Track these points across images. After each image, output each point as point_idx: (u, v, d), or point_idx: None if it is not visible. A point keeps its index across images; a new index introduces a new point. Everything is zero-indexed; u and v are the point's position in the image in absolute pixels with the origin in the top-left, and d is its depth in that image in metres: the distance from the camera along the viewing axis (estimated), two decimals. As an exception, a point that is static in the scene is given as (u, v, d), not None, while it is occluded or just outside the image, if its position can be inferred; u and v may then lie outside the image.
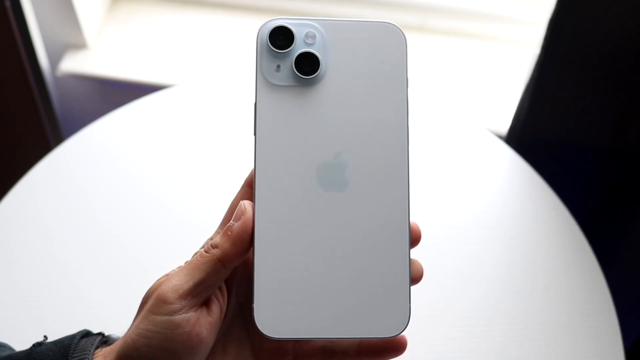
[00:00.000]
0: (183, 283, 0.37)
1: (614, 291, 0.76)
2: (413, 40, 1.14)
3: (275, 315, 0.38)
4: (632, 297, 1.04)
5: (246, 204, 0.38)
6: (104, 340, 0.41)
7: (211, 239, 0.40)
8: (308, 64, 0.39)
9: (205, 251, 0.38)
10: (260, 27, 0.40)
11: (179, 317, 0.36)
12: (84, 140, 0.88)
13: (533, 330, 0.73)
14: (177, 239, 0.79)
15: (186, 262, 0.39)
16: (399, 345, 0.39)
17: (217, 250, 0.37)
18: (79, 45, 1.14)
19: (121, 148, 0.88)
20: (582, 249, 0.79)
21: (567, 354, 0.72)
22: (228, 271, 0.38)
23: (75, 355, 0.39)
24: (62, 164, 0.86)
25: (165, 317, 0.36)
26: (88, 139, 0.89)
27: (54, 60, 1.14)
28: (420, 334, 0.72)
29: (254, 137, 0.39)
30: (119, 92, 1.17)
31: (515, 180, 0.86)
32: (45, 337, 0.42)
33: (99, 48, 1.14)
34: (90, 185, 0.84)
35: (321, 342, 0.41)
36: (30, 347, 0.41)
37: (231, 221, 0.38)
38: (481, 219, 0.82)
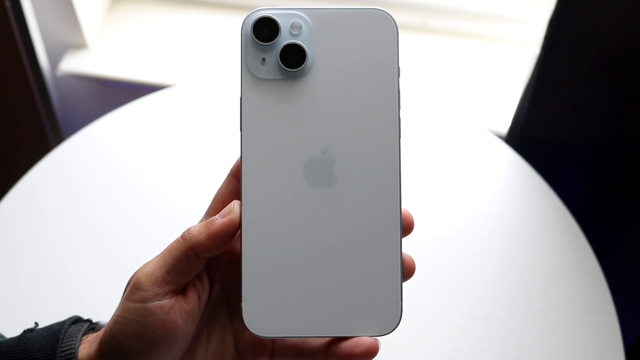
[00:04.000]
0: (155, 270, 0.37)
1: (614, 291, 0.76)
2: (413, 40, 1.14)
3: (264, 314, 0.37)
4: (632, 297, 1.04)
5: (236, 204, 0.37)
6: (92, 326, 0.42)
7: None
8: (294, 56, 0.37)
9: (182, 236, 0.37)
10: (245, 19, 0.38)
11: (152, 304, 0.36)
12: (84, 140, 0.88)
13: (533, 330, 0.73)
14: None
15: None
16: (368, 350, 0.37)
17: (191, 236, 0.37)
18: (79, 45, 1.14)
19: (121, 148, 0.88)
20: (582, 249, 0.79)
21: (567, 354, 0.72)
22: (202, 262, 0.37)
23: (64, 341, 0.39)
24: (62, 164, 0.86)
25: (138, 304, 0.36)
26: (88, 139, 0.89)
27: (54, 60, 1.14)
28: (420, 334, 0.72)
29: (240, 132, 0.38)
30: (119, 92, 1.17)
31: (515, 180, 0.86)
32: (36, 323, 0.42)
33: (99, 48, 1.14)
34: (90, 185, 0.84)
35: (294, 340, 0.40)
36: (21, 334, 0.41)
37: (217, 215, 0.37)
38: (481, 219, 0.82)
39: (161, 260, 0.37)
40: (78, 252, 0.78)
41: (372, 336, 0.38)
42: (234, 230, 0.37)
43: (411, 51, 1.12)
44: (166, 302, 0.37)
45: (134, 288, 0.37)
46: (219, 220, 0.37)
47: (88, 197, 0.83)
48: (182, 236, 0.38)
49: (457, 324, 0.73)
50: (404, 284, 0.38)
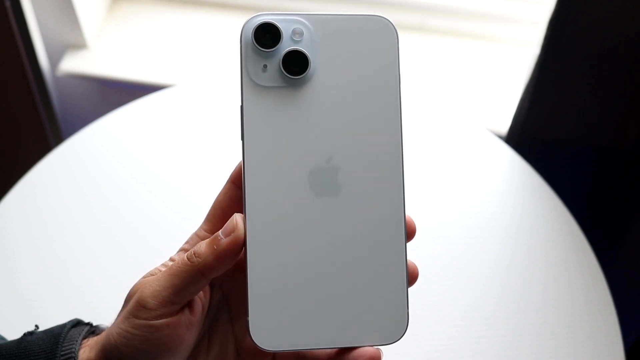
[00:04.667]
0: (162, 290, 0.37)
1: (614, 291, 0.76)
2: (413, 40, 1.14)
3: (271, 327, 0.37)
4: (632, 297, 1.04)
5: (238, 219, 0.37)
6: (92, 330, 0.41)
7: (196, 234, 0.40)
8: (296, 63, 0.37)
9: (188, 258, 0.37)
10: (244, 25, 0.37)
11: (159, 322, 0.36)
12: (84, 140, 0.88)
13: (533, 330, 0.73)
14: (177, 238, 0.78)
15: (170, 265, 0.38)
16: (372, 358, 0.37)
17: (199, 260, 0.36)
18: (79, 45, 1.14)
19: (121, 148, 0.88)
20: (582, 249, 0.79)
21: (567, 354, 0.72)
22: (208, 280, 0.37)
23: (64, 345, 0.39)
24: (62, 164, 0.86)
25: (145, 322, 0.36)
26: (88, 139, 0.89)
27: (54, 60, 1.14)
28: (420, 334, 0.72)
29: (241, 142, 0.37)
30: (119, 92, 1.17)
31: (515, 180, 0.86)
32: (37, 326, 0.42)
33: (99, 48, 1.14)
34: (90, 185, 0.84)
35: None
36: (21, 337, 0.41)
37: (220, 233, 0.37)
38: (481, 219, 0.82)
39: (168, 281, 0.37)
40: (78, 252, 0.78)
41: (380, 345, 0.37)
42: (240, 247, 0.37)
43: (411, 51, 1.12)
44: (173, 318, 0.37)
45: (140, 306, 0.37)
46: (225, 240, 0.36)
47: (88, 197, 0.83)
48: (189, 259, 0.37)
49: (457, 324, 0.73)
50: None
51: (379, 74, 0.38)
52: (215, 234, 0.37)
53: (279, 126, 0.37)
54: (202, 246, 0.37)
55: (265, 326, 0.37)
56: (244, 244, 0.37)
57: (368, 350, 0.37)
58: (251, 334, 0.37)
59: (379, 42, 0.38)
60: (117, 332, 0.37)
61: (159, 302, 0.36)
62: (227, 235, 0.36)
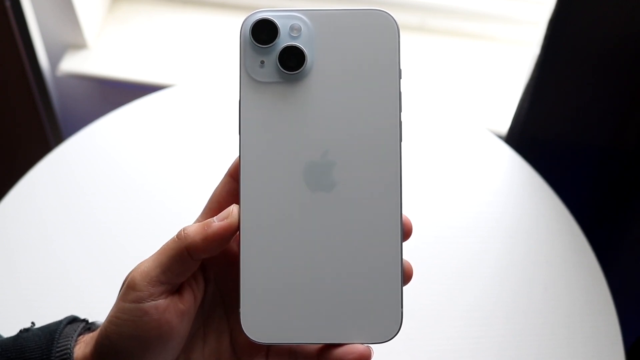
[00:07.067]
0: (150, 270, 0.37)
1: (614, 291, 0.76)
2: (413, 40, 1.14)
3: (263, 320, 0.37)
4: (632, 297, 1.04)
5: (235, 209, 0.37)
6: (88, 326, 0.42)
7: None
8: (292, 59, 0.37)
9: (177, 235, 0.37)
10: (244, 21, 0.38)
11: (147, 305, 0.36)
12: (84, 140, 0.88)
13: (532, 330, 0.73)
14: (177, 239, 0.78)
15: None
16: (360, 357, 0.37)
17: (186, 237, 0.37)
18: (79, 45, 1.14)
19: (121, 148, 0.88)
20: (582, 249, 0.79)
21: (567, 354, 0.72)
22: (197, 263, 0.37)
23: (60, 341, 0.39)
24: (62, 164, 0.86)
25: (133, 305, 0.36)
26: (88, 139, 0.89)
27: (54, 60, 1.14)
28: (419, 333, 0.72)
29: (238, 136, 0.38)
30: (119, 92, 1.17)
31: (515, 180, 0.86)
32: (33, 323, 0.42)
33: (99, 48, 1.14)
34: (90, 185, 0.84)
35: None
36: (17, 333, 0.41)
37: (215, 217, 0.37)
38: (481, 219, 0.82)
39: (156, 260, 0.37)
40: (78, 252, 0.78)
41: (372, 343, 0.37)
42: (230, 234, 0.37)
43: (411, 51, 1.12)
44: (161, 302, 0.37)
45: (128, 288, 0.37)
46: (217, 223, 0.37)
47: (88, 197, 0.83)
48: (177, 235, 0.37)
49: (457, 324, 0.73)
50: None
51: (378, 70, 0.38)
52: (210, 218, 0.37)
53: (275, 121, 0.37)
54: (193, 226, 0.37)
55: (257, 318, 0.37)
56: (237, 229, 0.37)
57: (358, 347, 0.37)
58: (243, 325, 0.37)
59: (379, 37, 0.38)
60: (107, 321, 0.37)
61: (147, 281, 0.36)
62: (221, 219, 0.37)
